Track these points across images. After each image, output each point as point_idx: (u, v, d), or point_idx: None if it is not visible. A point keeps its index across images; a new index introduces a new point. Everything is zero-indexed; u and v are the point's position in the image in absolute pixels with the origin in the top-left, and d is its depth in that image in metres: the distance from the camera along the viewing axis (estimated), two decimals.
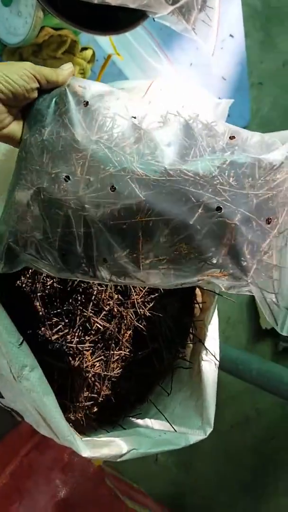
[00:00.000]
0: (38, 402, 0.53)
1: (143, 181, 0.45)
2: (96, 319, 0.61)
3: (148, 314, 0.66)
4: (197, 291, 0.81)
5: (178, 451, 0.67)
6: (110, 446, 0.58)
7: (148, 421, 0.74)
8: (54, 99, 0.51)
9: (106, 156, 0.46)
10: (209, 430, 0.68)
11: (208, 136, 0.48)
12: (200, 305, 0.79)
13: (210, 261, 0.46)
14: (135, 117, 0.48)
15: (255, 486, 2.02)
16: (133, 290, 0.67)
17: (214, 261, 0.47)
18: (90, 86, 0.51)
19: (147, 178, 0.45)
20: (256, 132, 0.51)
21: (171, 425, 0.69)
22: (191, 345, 0.79)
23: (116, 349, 0.64)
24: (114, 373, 0.64)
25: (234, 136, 0.48)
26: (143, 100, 0.69)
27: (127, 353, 0.65)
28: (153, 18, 0.68)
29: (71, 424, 0.64)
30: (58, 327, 0.62)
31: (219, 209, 0.45)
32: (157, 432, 0.67)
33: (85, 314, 0.62)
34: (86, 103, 0.48)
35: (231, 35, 1.16)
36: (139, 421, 0.74)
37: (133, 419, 0.74)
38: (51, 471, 1.19)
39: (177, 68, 1.05)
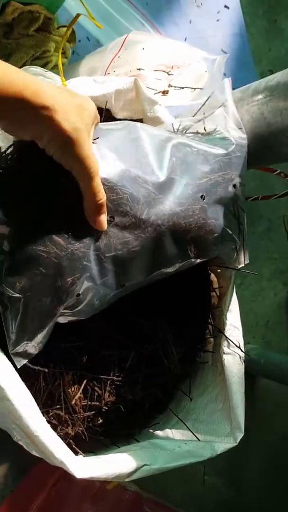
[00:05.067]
0: (17, 416, 0.43)
1: None
2: None
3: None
4: (212, 276, 0.70)
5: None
6: (115, 463, 0.47)
7: (169, 432, 0.62)
8: None
9: None
10: (240, 436, 0.56)
11: None
12: (217, 291, 0.68)
13: None
14: None
15: None
16: None
17: None
18: None
19: None
20: None
21: (193, 434, 0.57)
22: (212, 339, 0.67)
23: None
24: (115, 376, 0.53)
25: None
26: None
27: (129, 352, 0.54)
28: None
29: (71, 440, 0.53)
30: None
31: None
32: (177, 442, 0.56)
33: None
34: None
35: (226, 6, 1.07)
36: (159, 433, 0.62)
37: (151, 430, 0.63)
38: (82, 502, 1.08)
39: None
